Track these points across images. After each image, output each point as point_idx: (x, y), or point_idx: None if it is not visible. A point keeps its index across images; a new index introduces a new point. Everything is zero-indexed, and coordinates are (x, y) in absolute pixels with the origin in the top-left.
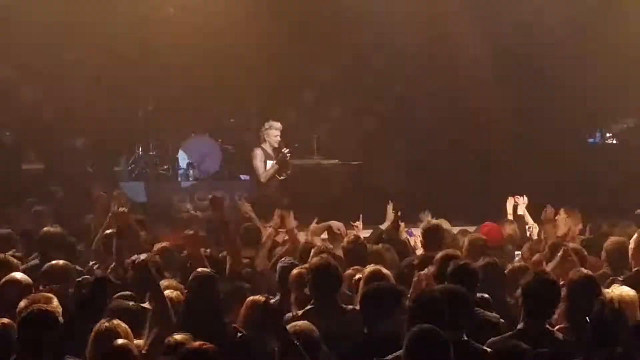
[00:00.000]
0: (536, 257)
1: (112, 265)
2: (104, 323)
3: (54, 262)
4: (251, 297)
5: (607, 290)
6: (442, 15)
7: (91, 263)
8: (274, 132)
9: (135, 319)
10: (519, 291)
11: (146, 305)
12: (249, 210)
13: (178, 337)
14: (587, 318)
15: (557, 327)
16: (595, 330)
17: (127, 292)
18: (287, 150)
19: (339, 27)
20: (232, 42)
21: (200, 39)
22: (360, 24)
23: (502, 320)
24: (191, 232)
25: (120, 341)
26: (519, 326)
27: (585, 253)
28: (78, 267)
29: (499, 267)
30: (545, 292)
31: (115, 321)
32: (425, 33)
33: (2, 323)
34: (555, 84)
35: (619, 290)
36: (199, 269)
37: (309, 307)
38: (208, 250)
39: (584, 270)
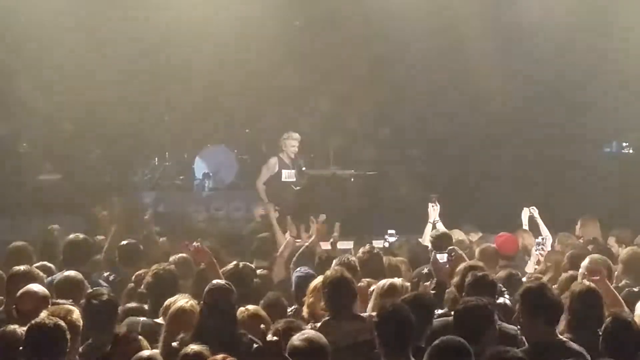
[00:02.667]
0: (542, 267)
1: (137, 273)
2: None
3: (66, 274)
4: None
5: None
6: (459, 26)
7: (106, 274)
8: (291, 142)
9: (150, 334)
10: None
11: (159, 320)
12: (274, 218)
13: (195, 347)
14: (598, 330)
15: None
16: (606, 343)
17: (137, 306)
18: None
19: (356, 37)
20: (249, 54)
21: (217, 50)
22: (377, 34)
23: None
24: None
25: (147, 352)
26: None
27: (610, 263)
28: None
29: (519, 277)
30: (543, 300)
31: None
32: (442, 44)
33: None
34: (571, 92)
35: None
36: (215, 281)
37: (326, 318)
38: (232, 264)
39: (586, 283)
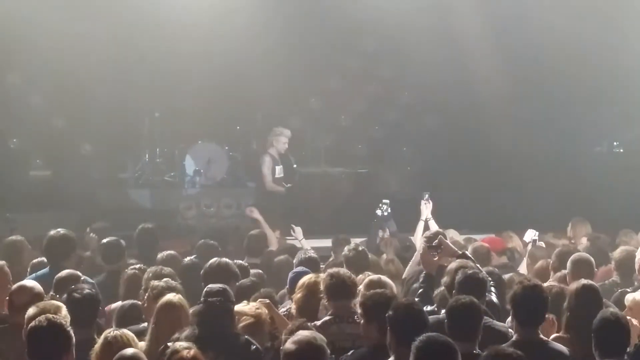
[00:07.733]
0: (540, 263)
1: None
2: (111, 332)
3: (63, 272)
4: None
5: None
6: (451, 24)
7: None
8: (283, 138)
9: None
10: None
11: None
12: (259, 217)
13: (192, 351)
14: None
15: (555, 335)
16: (597, 339)
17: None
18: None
19: (347, 35)
20: (239, 50)
21: (207, 47)
22: (368, 32)
23: (510, 329)
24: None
25: (130, 351)
26: (514, 337)
27: (592, 261)
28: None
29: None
30: (532, 300)
31: (122, 330)
32: (433, 42)
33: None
34: (562, 91)
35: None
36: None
37: (327, 318)
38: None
39: (585, 281)
